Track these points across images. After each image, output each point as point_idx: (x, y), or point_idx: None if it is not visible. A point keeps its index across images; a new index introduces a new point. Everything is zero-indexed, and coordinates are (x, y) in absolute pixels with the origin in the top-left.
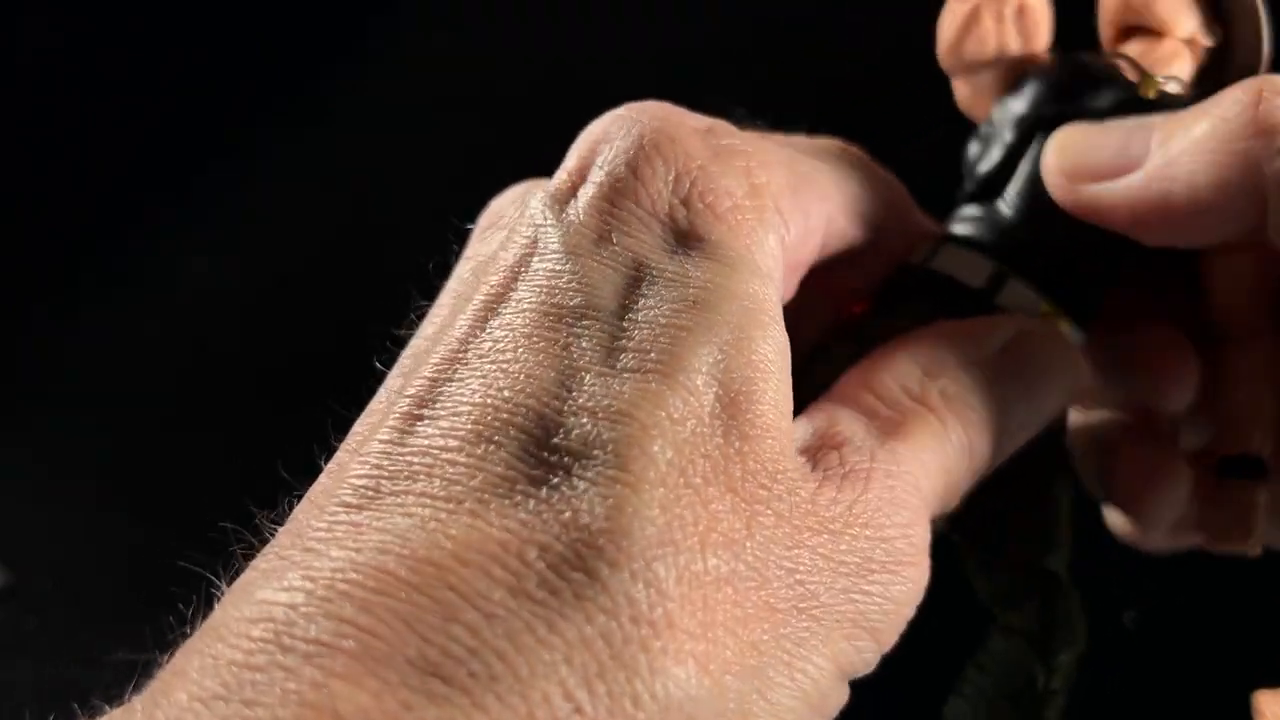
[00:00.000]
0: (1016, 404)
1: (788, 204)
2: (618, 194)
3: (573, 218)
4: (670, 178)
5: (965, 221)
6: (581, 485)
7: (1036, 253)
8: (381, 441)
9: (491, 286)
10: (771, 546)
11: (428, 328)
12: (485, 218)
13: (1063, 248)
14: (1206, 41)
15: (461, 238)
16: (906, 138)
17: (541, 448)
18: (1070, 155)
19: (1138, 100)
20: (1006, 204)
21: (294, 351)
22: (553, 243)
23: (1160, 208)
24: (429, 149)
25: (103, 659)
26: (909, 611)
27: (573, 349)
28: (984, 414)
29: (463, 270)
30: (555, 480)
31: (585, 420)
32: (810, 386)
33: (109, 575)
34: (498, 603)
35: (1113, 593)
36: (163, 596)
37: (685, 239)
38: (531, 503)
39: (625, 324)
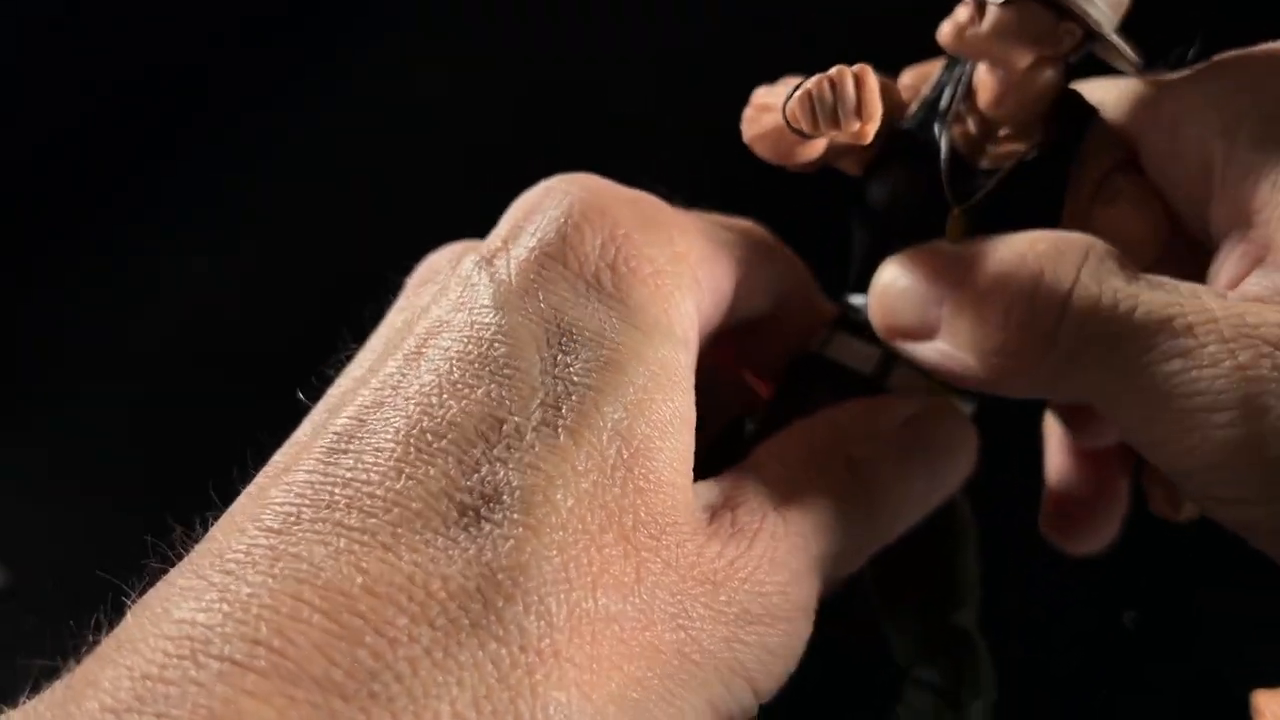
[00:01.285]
0: (918, 476)
1: (705, 272)
2: (547, 257)
3: (502, 276)
4: (598, 243)
5: (854, 308)
6: (488, 526)
7: None
8: (305, 470)
9: (421, 334)
10: (658, 592)
11: (356, 368)
12: (419, 273)
13: None
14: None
15: (395, 290)
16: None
17: (456, 489)
18: (881, 312)
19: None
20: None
21: (294, 351)
22: (482, 298)
23: (961, 377)
24: (429, 149)
25: None
26: (787, 664)
27: (493, 398)
28: (886, 484)
29: (394, 319)
30: (465, 520)
31: (498, 467)
32: (722, 459)
33: (110, 573)
34: (401, 629)
35: (1113, 593)
36: None
37: (608, 300)
38: (440, 540)
39: (543, 378)
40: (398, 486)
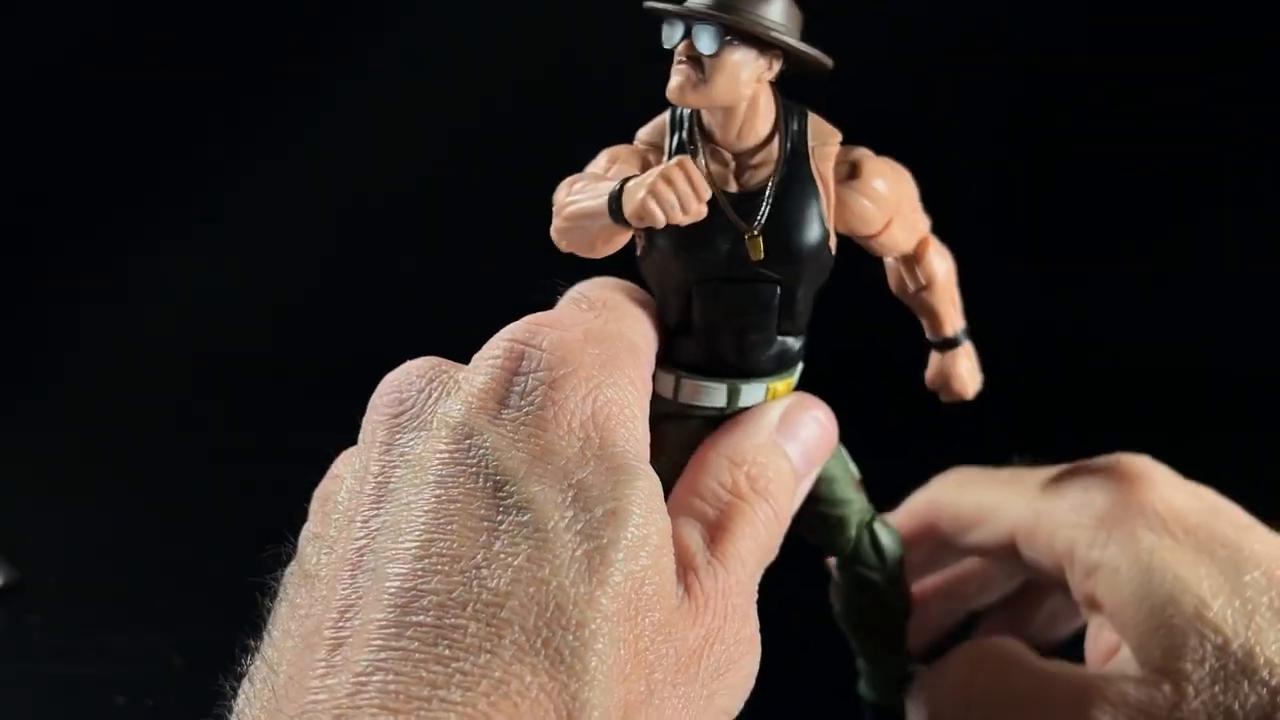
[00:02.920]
0: (798, 458)
1: (644, 369)
2: (544, 421)
3: (507, 442)
4: (579, 399)
5: (687, 355)
6: (555, 684)
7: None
8: (378, 647)
9: (442, 500)
10: (665, 695)
11: (360, 517)
12: (386, 401)
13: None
14: None
15: (350, 406)
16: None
17: (528, 652)
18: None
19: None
20: (697, 339)
21: (294, 350)
22: (503, 467)
23: None
24: (430, 149)
25: (106, 656)
26: (750, 685)
27: (533, 562)
28: (781, 479)
29: (387, 462)
30: (540, 678)
31: (556, 631)
32: None
33: (113, 572)
34: None
35: None
36: (165, 594)
37: (598, 453)
38: (526, 704)
39: (568, 537)
40: (480, 661)
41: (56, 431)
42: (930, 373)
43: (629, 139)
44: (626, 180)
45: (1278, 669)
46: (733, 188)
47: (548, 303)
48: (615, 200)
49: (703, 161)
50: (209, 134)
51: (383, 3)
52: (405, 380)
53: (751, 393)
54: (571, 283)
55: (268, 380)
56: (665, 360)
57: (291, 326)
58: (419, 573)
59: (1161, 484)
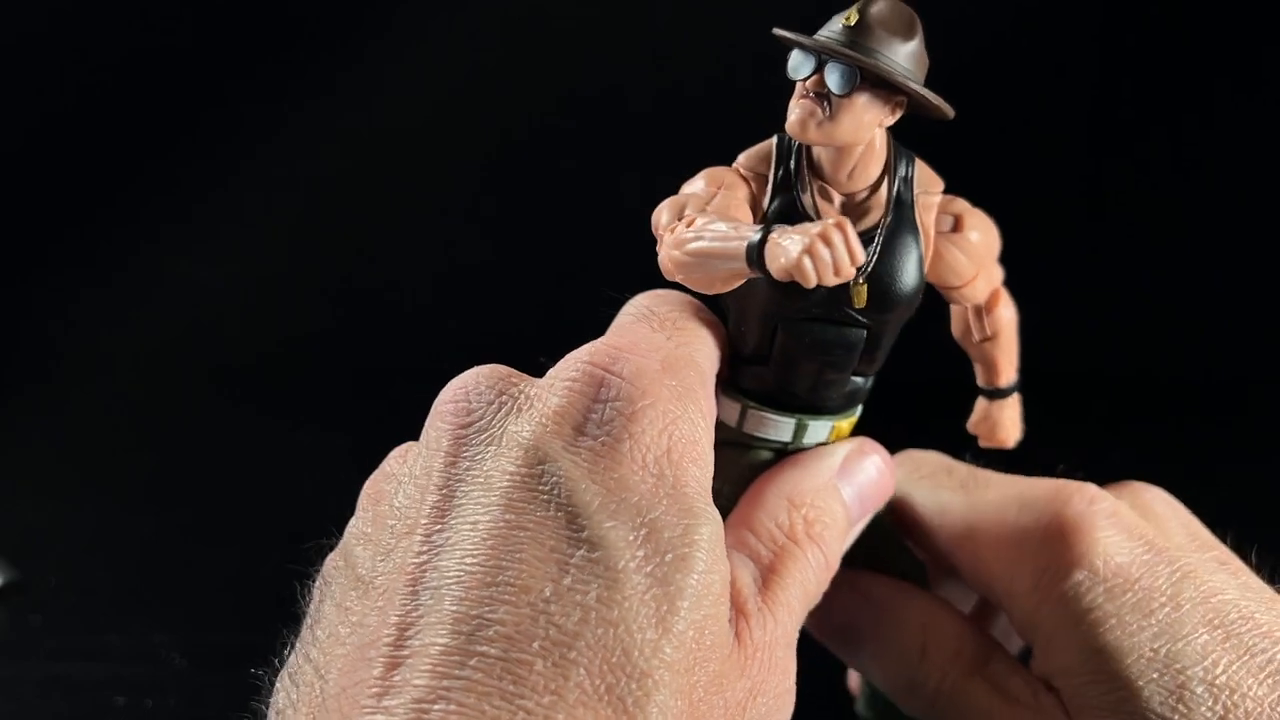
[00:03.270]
0: (854, 503)
1: (710, 401)
2: (620, 454)
3: (582, 472)
4: (655, 433)
5: (756, 385)
6: None
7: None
8: (438, 670)
9: (513, 523)
10: None
11: (426, 528)
12: (458, 410)
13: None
14: None
15: (410, 405)
16: None
17: (602, 687)
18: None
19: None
20: (771, 371)
21: (294, 349)
22: (574, 499)
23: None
24: (429, 150)
25: (108, 655)
26: None
27: (603, 603)
28: (835, 526)
29: (462, 484)
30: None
31: (624, 678)
32: None
33: (113, 572)
34: None
35: None
36: (166, 593)
37: (670, 492)
38: None
39: (638, 577)
40: (545, 701)
41: (57, 432)
42: (974, 418)
43: (633, 142)
44: (768, 229)
45: None
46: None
47: (553, 303)
48: (756, 250)
49: (810, 199)
50: (209, 134)
51: (387, 7)
52: (474, 388)
53: (818, 429)
54: (571, 290)
55: (269, 381)
56: (730, 385)
57: (292, 327)
58: (485, 600)
59: (1102, 535)
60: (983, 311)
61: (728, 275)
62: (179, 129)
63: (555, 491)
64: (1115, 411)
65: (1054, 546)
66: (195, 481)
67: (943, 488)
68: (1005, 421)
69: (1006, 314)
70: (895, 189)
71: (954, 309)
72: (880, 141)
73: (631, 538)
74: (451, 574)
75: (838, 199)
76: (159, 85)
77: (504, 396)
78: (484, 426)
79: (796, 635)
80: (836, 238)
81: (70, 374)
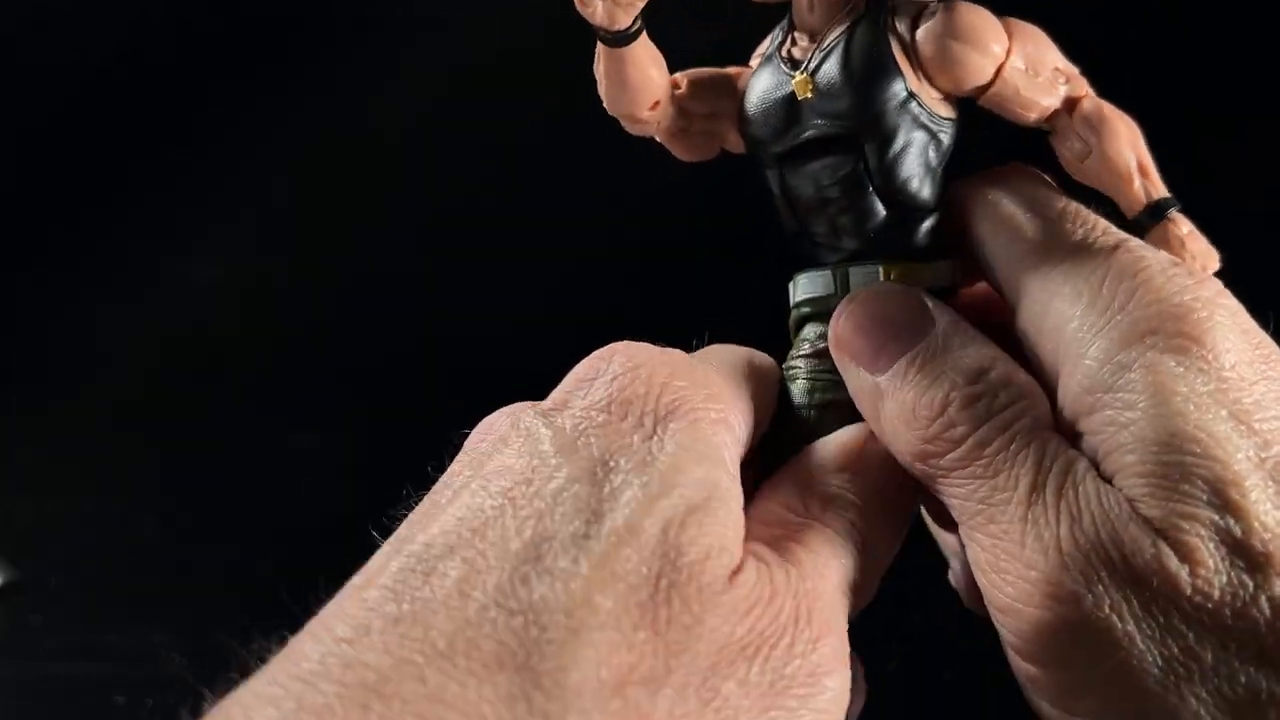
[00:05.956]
0: (885, 480)
1: (734, 413)
2: (599, 411)
3: (560, 425)
4: (641, 392)
5: (799, 252)
6: (535, 631)
7: None
8: (378, 589)
9: (486, 475)
10: (689, 680)
11: (427, 504)
12: (478, 431)
13: None
14: None
15: (454, 447)
16: None
17: (510, 601)
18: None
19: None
20: (797, 225)
21: (294, 349)
22: (542, 445)
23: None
24: (429, 150)
25: (108, 655)
26: (832, 714)
27: (545, 522)
28: (862, 503)
29: (457, 467)
30: (515, 625)
31: (547, 579)
32: None
33: (113, 572)
34: (452, 704)
35: None
36: (166, 593)
37: (652, 440)
38: (493, 645)
39: (591, 503)
40: (455, 604)
41: (57, 432)
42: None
43: (632, 141)
44: None
45: None
46: (814, 63)
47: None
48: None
49: (788, 43)
50: (208, 134)
51: (389, 8)
52: (495, 416)
53: (860, 276)
54: (571, 290)
55: (270, 381)
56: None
57: (293, 328)
58: (435, 533)
59: (1220, 331)
60: (1069, 129)
61: (608, 67)
62: (178, 129)
63: (535, 445)
64: None
65: (1164, 317)
66: (195, 481)
67: (1031, 210)
68: (1175, 254)
69: (1100, 124)
70: (861, 12)
71: (1054, 146)
72: None
73: (596, 473)
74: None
75: (808, 39)
76: (159, 85)
77: (518, 414)
78: (495, 431)
79: (836, 606)
80: None
81: (70, 374)
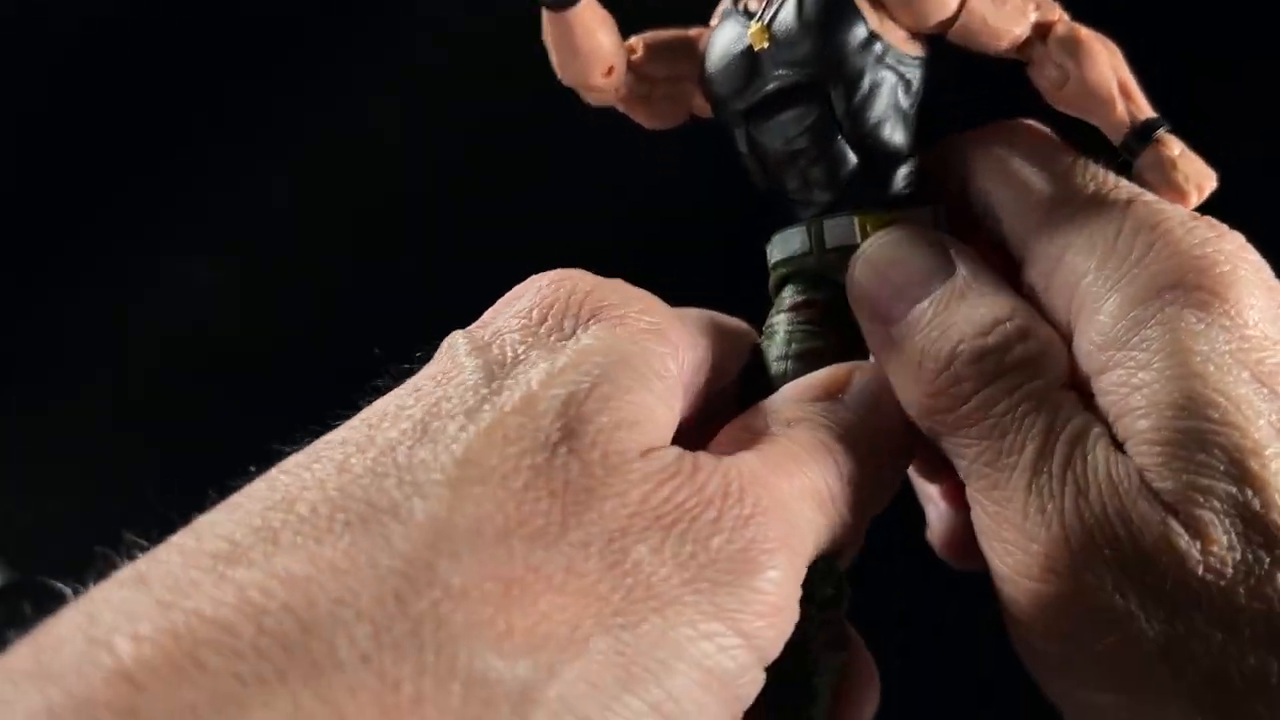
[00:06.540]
0: (870, 418)
1: (675, 331)
2: (520, 319)
3: (480, 338)
4: (565, 299)
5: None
6: (406, 490)
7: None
8: (264, 479)
9: (405, 389)
10: (591, 539)
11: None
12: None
13: None
14: None
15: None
16: None
17: (386, 466)
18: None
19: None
20: (769, 183)
21: (294, 349)
22: (459, 353)
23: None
24: (429, 151)
25: None
26: (781, 606)
27: (439, 399)
28: (839, 428)
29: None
30: (404, 493)
31: (432, 448)
32: None
33: (113, 572)
34: (335, 599)
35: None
36: None
37: (573, 338)
38: (382, 515)
39: (490, 381)
40: (329, 478)
41: (57, 432)
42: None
43: (631, 141)
44: None
45: None
46: (770, 11)
47: None
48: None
49: (743, 4)
50: (208, 134)
51: (389, 8)
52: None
53: (836, 230)
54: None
55: (270, 381)
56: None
57: (293, 328)
58: (327, 440)
59: (1245, 286)
60: (1043, 56)
61: (555, 33)
62: (178, 129)
63: (454, 355)
64: None
65: (1186, 272)
66: (195, 481)
67: (1041, 163)
68: (1168, 177)
69: (1074, 46)
70: None
71: (1031, 75)
72: None
73: (506, 364)
74: None
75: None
76: (158, 85)
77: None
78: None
79: (785, 497)
80: None
81: (69, 374)
